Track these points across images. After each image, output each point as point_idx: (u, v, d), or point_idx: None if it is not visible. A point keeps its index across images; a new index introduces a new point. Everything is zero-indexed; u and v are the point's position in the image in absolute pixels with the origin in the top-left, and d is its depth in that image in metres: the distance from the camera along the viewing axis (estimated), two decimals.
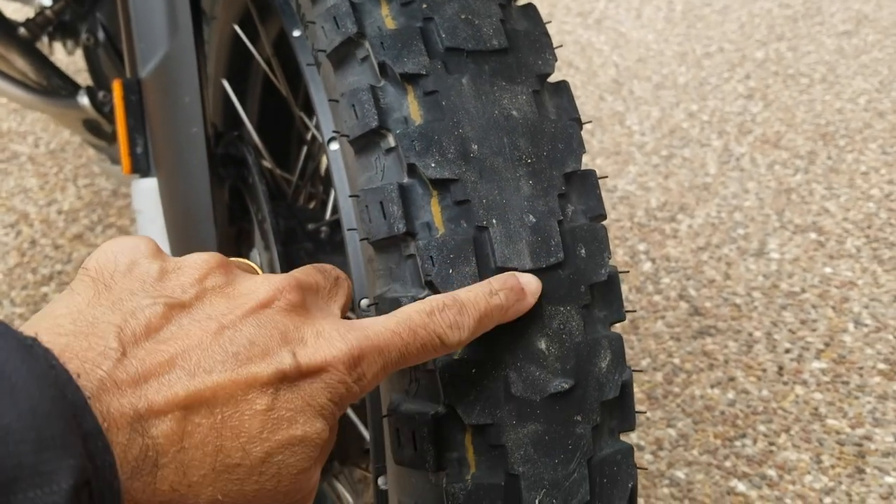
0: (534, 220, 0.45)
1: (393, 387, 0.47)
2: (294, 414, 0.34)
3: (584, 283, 0.46)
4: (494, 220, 0.44)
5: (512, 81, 0.48)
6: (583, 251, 0.46)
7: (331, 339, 0.36)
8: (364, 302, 0.51)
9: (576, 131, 0.48)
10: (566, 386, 0.44)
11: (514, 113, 0.47)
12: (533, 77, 0.49)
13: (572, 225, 0.46)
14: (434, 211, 0.45)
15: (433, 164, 0.44)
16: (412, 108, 0.46)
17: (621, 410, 0.47)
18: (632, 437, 1.28)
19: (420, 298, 0.44)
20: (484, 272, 0.44)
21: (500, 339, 0.43)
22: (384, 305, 0.46)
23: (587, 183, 0.48)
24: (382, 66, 0.47)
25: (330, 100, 0.51)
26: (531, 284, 0.43)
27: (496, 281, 0.42)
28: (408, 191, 0.45)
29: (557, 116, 0.49)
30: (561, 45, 0.52)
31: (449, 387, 0.43)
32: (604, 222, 0.49)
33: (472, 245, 0.44)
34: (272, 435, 0.33)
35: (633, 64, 2.54)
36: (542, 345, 0.44)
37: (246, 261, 0.43)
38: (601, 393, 0.45)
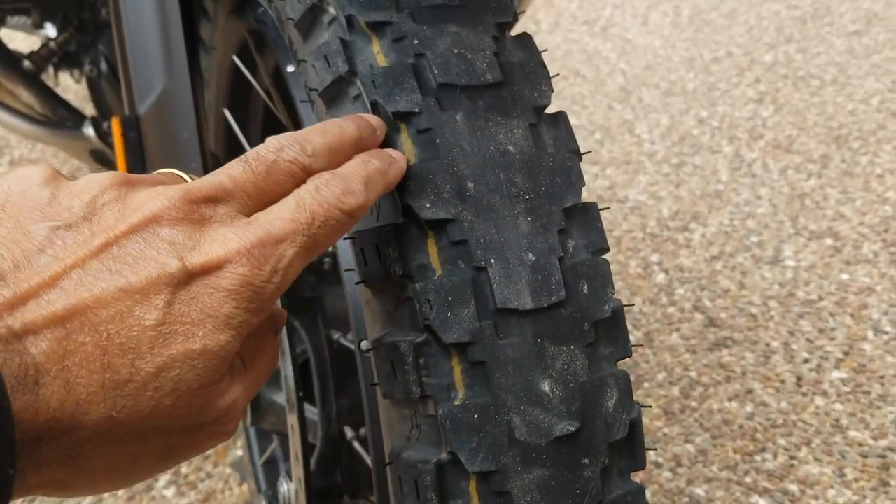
0: (533, 258, 0.44)
1: (394, 433, 0.46)
2: (191, 327, 0.33)
3: (587, 320, 0.45)
4: (493, 260, 0.43)
5: (507, 116, 0.47)
6: (585, 288, 0.45)
7: (225, 239, 0.35)
8: (364, 344, 0.50)
9: (574, 164, 0.47)
10: (572, 428, 0.42)
11: (511, 148, 0.46)
12: (529, 110, 0.48)
13: (573, 261, 0.45)
14: (431, 252, 0.44)
15: (428, 205, 0.43)
16: (406, 146, 0.45)
17: (630, 450, 0.46)
18: (650, 455, 1.26)
19: (419, 343, 0.43)
20: (484, 314, 0.42)
21: (503, 382, 0.42)
22: (383, 350, 0.45)
23: (588, 216, 0.47)
24: (374, 104, 0.46)
25: None
26: (395, 151, 0.44)
27: (364, 154, 0.42)
28: (403, 232, 0.44)
29: (555, 149, 0.48)
30: (557, 73, 0.51)
31: (451, 433, 0.42)
32: (609, 238, 0.48)
33: (470, 287, 0.43)
34: (164, 350, 0.32)
35: (640, 71, 2.52)
36: (546, 387, 0.43)
37: (173, 171, 0.41)
38: (609, 434, 0.44)
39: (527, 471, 0.42)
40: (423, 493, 0.43)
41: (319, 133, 0.41)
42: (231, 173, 0.38)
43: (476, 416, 0.42)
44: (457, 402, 0.42)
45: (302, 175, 0.39)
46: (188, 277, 0.33)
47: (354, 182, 0.39)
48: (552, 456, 0.42)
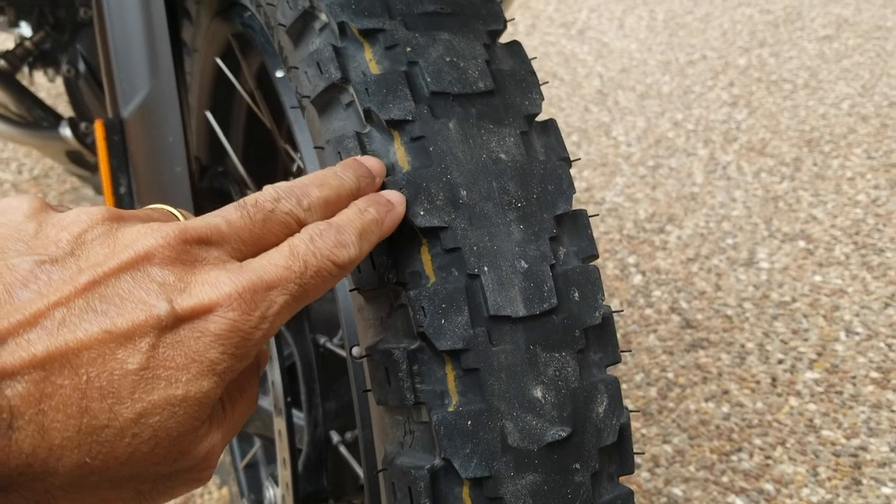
0: (526, 265, 0.44)
1: (387, 439, 0.46)
2: (174, 372, 0.32)
3: (578, 327, 0.45)
4: (486, 268, 0.44)
5: (499, 124, 0.47)
6: (576, 294, 0.46)
7: (217, 282, 0.34)
8: (356, 350, 0.50)
9: (565, 171, 0.48)
10: (563, 434, 0.43)
11: (503, 156, 0.46)
12: (520, 118, 0.48)
13: (565, 268, 0.46)
14: (424, 259, 0.44)
15: (422, 212, 0.44)
16: (399, 154, 0.45)
17: (620, 455, 0.46)
18: None
19: (412, 350, 0.43)
20: (477, 321, 0.43)
21: (496, 389, 0.43)
22: (376, 356, 0.45)
23: (578, 224, 0.48)
24: (368, 112, 0.46)
25: (315, 147, 0.50)
26: (394, 195, 0.43)
27: (361, 201, 0.42)
28: (397, 239, 0.44)
29: (546, 157, 0.48)
30: (546, 81, 0.52)
31: (445, 439, 0.42)
32: (597, 244, 0.48)
33: (464, 294, 0.43)
34: (146, 395, 0.31)
35: (617, 74, 2.54)
36: (538, 393, 0.43)
37: (164, 207, 0.40)
38: (599, 439, 0.45)
39: (519, 476, 0.42)
40: (417, 499, 0.43)
41: (317, 185, 0.40)
42: (228, 218, 0.37)
43: (469, 423, 0.42)
44: (450, 409, 0.43)
45: (296, 227, 0.39)
46: (176, 321, 0.32)
47: (348, 234, 0.39)
48: (544, 461, 0.43)
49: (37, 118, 1.27)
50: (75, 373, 0.30)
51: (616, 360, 0.48)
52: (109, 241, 0.34)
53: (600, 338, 0.47)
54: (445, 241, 0.44)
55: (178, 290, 0.33)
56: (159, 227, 0.35)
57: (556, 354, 0.44)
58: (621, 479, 0.48)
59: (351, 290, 0.47)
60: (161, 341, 0.32)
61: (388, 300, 0.45)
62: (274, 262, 0.36)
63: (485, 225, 0.44)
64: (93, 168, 1.29)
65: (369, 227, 0.40)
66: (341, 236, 0.38)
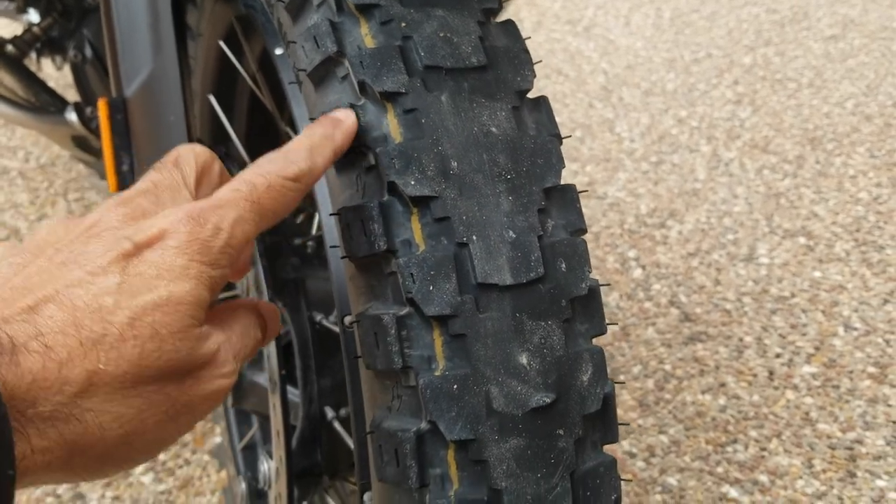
0: (514, 235, 0.45)
1: (376, 403, 0.47)
2: (151, 280, 0.36)
3: (564, 297, 0.46)
4: (474, 237, 0.45)
5: (491, 98, 0.48)
6: (563, 266, 0.46)
7: (166, 215, 0.38)
8: (347, 319, 0.51)
9: (555, 146, 0.49)
10: (548, 400, 0.44)
11: (494, 129, 0.47)
12: (512, 93, 0.49)
13: (552, 240, 0.47)
14: (414, 228, 0.45)
15: (413, 182, 0.45)
16: (392, 126, 0.46)
17: (603, 423, 0.47)
18: (624, 445, 1.28)
19: (401, 315, 0.44)
20: (465, 289, 0.44)
21: (482, 355, 0.44)
22: (366, 322, 0.46)
23: (567, 198, 0.49)
24: (362, 84, 0.47)
25: (311, 118, 0.51)
26: (341, 112, 0.46)
27: (308, 126, 0.45)
28: (388, 208, 0.45)
29: (537, 132, 0.49)
30: (540, 61, 0.52)
31: (431, 402, 0.43)
32: (588, 233, 0.49)
33: (452, 262, 0.44)
34: (132, 301, 0.35)
35: (622, 71, 2.55)
36: (524, 359, 0.44)
37: None
38: (583, 406, 0.46)
39: (504, 440, 0.43)
40: (403, 460, 0.44)
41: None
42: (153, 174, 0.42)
43: (455, 387, 0.43)
44: (437, 373, 0.44)
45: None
46: (137, 249, 0.36)
47: (295, 152, 0.43)
48: (528, 426, 0.44)
49: (43, 103, 1.29)
50: (61, 305, 0.34)
51: (601, 332, 0.49)
52: (60, 230, 0.40)
53: (586, 308, 0.48)
54: (435, 210, 0.45)
55: (133, 231, 0.37)
56: (100, 205, 0.41)
57: (542, 323, 0.45)
58: (606, 447, 0.49)
59: (342, 258, 0.48)
60: (129, 263, 0.36)
61: (378, 268, 0.46)
62: (225, 188, 0.40)
63: (474, 195, 0.45)
64: (98, 153, 1.31)
65: (318, 142, 0.44)
66: (288, 155, 0.42)
